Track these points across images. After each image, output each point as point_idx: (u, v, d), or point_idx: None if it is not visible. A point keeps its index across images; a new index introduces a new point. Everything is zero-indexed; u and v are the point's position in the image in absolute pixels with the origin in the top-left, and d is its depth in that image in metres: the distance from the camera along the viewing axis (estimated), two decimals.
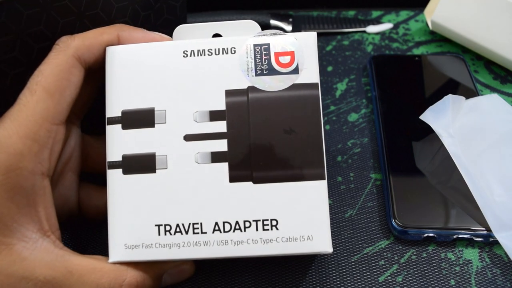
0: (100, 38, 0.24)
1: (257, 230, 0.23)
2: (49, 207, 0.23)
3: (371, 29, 0.44)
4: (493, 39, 0.37)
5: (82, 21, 0.26)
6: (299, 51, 0.24)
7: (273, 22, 0.44)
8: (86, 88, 0.25)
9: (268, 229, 0.23)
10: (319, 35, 0.44)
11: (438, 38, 0.42)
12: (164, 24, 0.31)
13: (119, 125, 0.24)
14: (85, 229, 0.30)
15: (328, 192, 0.31)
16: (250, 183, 0.23)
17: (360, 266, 0.27)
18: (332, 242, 0.28)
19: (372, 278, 0.27)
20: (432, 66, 0.38)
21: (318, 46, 0.43)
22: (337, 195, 0.31)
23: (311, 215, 0.23)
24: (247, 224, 0.23)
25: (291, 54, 0.24)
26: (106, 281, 0.22)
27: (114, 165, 0.24)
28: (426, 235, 0.27)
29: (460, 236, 0.27)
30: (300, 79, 0.24)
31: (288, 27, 0.44)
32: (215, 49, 0.24)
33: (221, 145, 0.23)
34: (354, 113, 0.36)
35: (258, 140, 0.23)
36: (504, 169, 0.29)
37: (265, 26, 0.44)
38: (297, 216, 0.23)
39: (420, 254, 0.28)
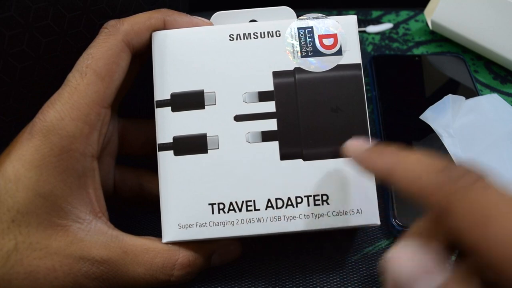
0: (148, 23, 0.25)
1: (308, 205, 0.23)
2: (98, 189, 0.23)
3: (371, 29, 0.44)
4: (493, 39, 0.37)
5: (88, 15, 0.26)
6: (341, 33, 0.25)
7: None
8: (129, 73, 0.26)
9: (319, 204, 0.23)
10: None
11: (438, 38, 0.42)
12: None
13: (169, 108, 0.24)
14: (122, 210, 0.30)
15: None
16: (300, 160, 0.24)
17: (360, 266, 0.27)
18: (332, 242, 0.28)
19: (372, 278, 0.27)
20: (432, 66, 0.38)
21: None
22: None
23: (359, 189, 0.23)
24: (299, 200, 0.23)
25: (334, 36, 0.25)
26: (160, 261, 0.23)
27: (165, 147, 0.24)
28: None
29: None
30: (344, 60, 0.24)
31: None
32: (261, 33, 0.25)
33: (271, 125, 0.24)
34: None
35: (306, 119, 0.24)
36: (504, 169, 0.29)
37: None
38: (346, 191, 0.23)
39: None
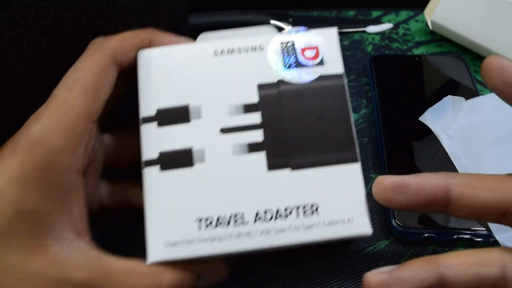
0: (134, 41, 0.25)
1: (298, 216, 0.23)
2: (82, 206, 0.23)
3: (371, 29, 0.44)
4: (493, 39, 0.37)
5: (88, 15, 0.26)
6: (322, 45, 0.25)
7: (273, 22, 0.44)
8: (115, 89, 0.26)
9: (309, 214, 0.23)
10: None
11: (438, 38, 0.42)
12: (168, 19, 0.31)
13: (154, 124, 0.24)
14: (108, 225, 0.29)
15: None
16: (288, 170, 0.24)
17: (360, 266, 0.27)
18: (332, 242, 0.29)
19: None
20: (432, 66, 0.38)
21: None
22: None
23: (349, 197, 0.23)
24: (288, 210, 0.23)
25: (316, 48, 0.25)
26: (144, 284, 0.21)
27: (151, 162, 0.24)
28: (426, 235, 0.28)
29: (460, 236, 0.27)
30: (326, 70, 0.25)
31: (288, 27, 0.44)
32: (244, 48, 0.25)
33: (257, 136, 0.24)
34: (354, 113, 0.36)
35: (292, 128, 0.24)
36: (504, 170, 0.29)
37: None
38: (336, 200, 0.23)
39: (420, 254, 0.28)
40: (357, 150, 0.24)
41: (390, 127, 0.33)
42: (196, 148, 0.24)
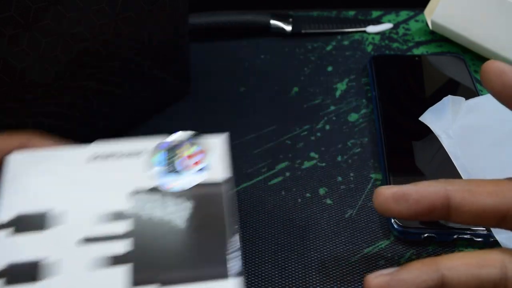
0: (6, 144, 0.24)
1: None
2: None
3: (371, 29, 0.44)
4: (493, 39, 0.37)
5: (88, 15, 0.26)
6: (206, 153, 0.24)
7: (273, 22, 0.44)
8: None
9: None
10: (319, 35, 0.44)
11: (438, 38, 0.42)
12: (168, 19, 0.31)
13: (9, 230, 0.22)
14: None
15: (328, 192, 0.31)
16: (156, 286, 0.21)
17: (360, 266, 0.27)
18: (332, 242, 0.29)
19: None
20: (432, 66, 0.38)
21: (318, 46, 0.43)
22: (337, 195, 0.31)
23: None
24: None
25: (198, 155, 0.24)
26: None
27: None
28: (426, 235, 0.28)
29: (460, 236, 0.27)
30: (206, 178, 0.24)
31: (288, 27, 0.44)
32: (121, 153, 0.24)
33: (124, 247, 0.22)
34: (354, 113, 0.36)
35: (163, 239, 0.22)
36: (504, 169, 0.29)
37: (265, 26, 0.44)
38: None
39: (420, 254, 0.28)
40: (232, 265, 0.22)
41: (390, 127, 0.33)
42: (49, 260, 0.21)
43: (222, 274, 0.21)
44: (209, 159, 0.24)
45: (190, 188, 0.23)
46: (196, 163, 0.24)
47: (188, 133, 0.25)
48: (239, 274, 0.21)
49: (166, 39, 0.32)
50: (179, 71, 0.36)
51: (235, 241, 0.22)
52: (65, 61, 0.27)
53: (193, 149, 0.25)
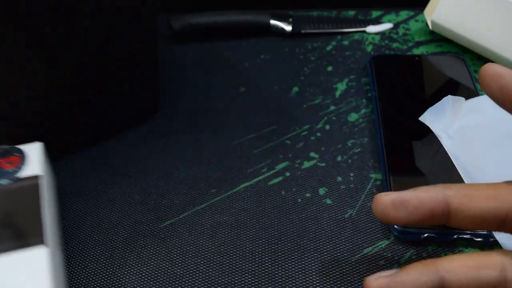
0: None
1: None
2: None
3: (371, 29, 0.44)
4: (493, 39, 0.37)
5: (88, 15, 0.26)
6: (24, 156, 0.28)
7: (273, 22, 0.44)
8: None
9: None
10: (319, 35, 0.44)
11: (438, 38, 0.42)
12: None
13: None
14: None
15: (328, 192, 0.31)
16: None
17: (360, 266, 0.27)
18: (332, 242, 0.29)
19: None
20: (432, 66, 0.38)
21: (318, 46, 0.43)
22: (337, 195, 0.31)
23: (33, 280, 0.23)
24: None
25: (17, 158, 0.28)
26: None
27: None
28: (426, 235, 0.28)
29: (460, 236, 0.27)
30: (24, 174, 0.27)
31: (288, 27, 0.44)
32: None
33: None
34: (354, 113, 0.36)
35: None
36: (504, 169, 0.29)
37: (265, 26, 0.44)
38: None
39: (420, 254, 0.28)
40: (47, 235, 0.25)
41: (390, 127, 0.33)
42: None
43: (38, 242, 0.25)
44: (26, 161, 0.29)
45: (11, 182, 0.27)
46: (14, 164, 0.28)
47: (6, 146, 0.29)
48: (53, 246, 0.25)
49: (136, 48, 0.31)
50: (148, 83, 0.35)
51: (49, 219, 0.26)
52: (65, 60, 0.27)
53: (11, 154, 0.29)
